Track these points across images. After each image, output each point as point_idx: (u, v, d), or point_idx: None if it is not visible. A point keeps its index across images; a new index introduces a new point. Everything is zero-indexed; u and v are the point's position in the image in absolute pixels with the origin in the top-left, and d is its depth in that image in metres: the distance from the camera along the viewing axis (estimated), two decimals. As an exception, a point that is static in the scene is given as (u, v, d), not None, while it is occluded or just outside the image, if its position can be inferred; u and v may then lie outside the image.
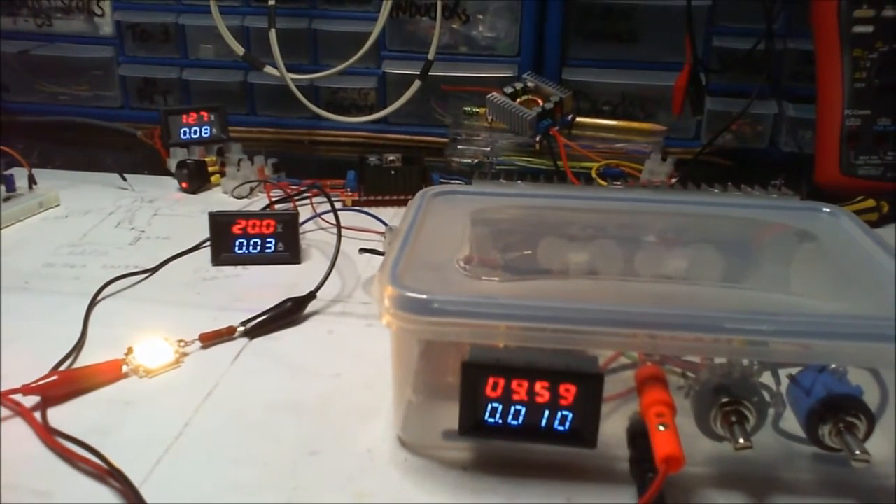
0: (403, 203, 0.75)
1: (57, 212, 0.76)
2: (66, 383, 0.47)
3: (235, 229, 0.64)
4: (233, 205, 0.77)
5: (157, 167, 0.85)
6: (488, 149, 0.84)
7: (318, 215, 0.72)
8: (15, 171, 0.76)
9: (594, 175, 0.80)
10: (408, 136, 0.97)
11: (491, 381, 0.38)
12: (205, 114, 0.85)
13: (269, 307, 0.55)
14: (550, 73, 0.92)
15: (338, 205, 0.69)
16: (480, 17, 0.93)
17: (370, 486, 0.40)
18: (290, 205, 0.74)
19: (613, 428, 0.40)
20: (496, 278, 0.46)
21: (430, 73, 0.91)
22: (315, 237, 0.70)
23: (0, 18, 1.00)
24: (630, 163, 0.82)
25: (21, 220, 0.73)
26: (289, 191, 0.77)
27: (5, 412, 0.45)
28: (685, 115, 0.87)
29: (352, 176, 0.77)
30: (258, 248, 0.64)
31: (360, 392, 0.47)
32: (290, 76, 0.89)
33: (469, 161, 0.85)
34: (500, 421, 0.39)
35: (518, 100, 0.82)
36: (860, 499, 0.39)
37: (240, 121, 0.97)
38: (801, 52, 0.87)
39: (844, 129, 0.75)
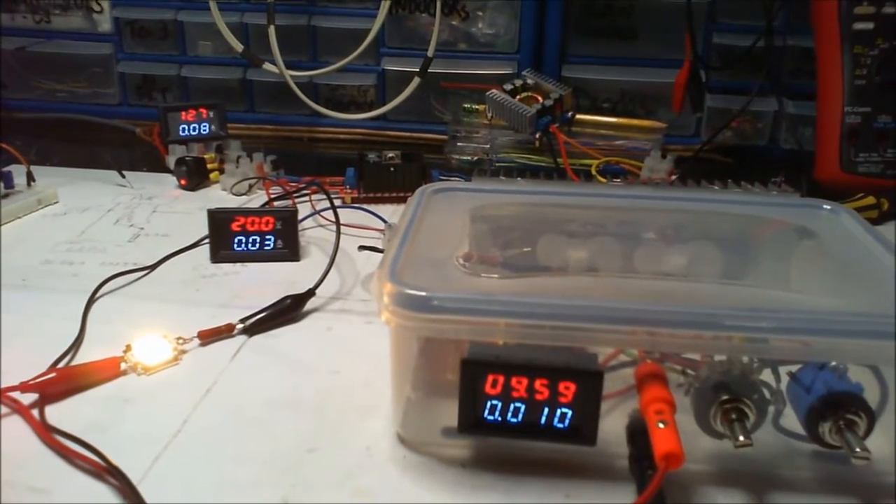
0: (403, 200, 0.75)
1: (55, 209, 0.76)
2: (65, 380, 0.46)
3: (234, 226, 0.64)
4: (232, 202, 0.77)
5: (155, 164, 0.85)
6: (488, 146, 0.84)
7: (318, 212, 0.72)
8: (13, 168, 0.76)
9: (594, 172, 0.80)
10: (407, 134, 0.97)
11: (490, 378, 0.38)
12: (203, 111, 0.85)
13: (267, 304, 0.55)
14: (550, 70, 0.91)
15: (337, 202, 0.69)
16: (480, 13, 0.93)
17: (369, 484, 0.40)
18: (289, 202, 0.74)
19: (613, 425, 0.40)
20: (495, 275, 0.46)
21: (429, 70, 0.91)
22: (314, 234, 0.70)
23: (-2, 15, 1.00)
24: (630, 160, 0.82)
25: (19, 217, 0.73)
26: (288, 188, 0.76)
27: (3, 409, 0.45)
28: (685, 112, 0.87)
29: (351, 173, 0.77)
30: (257, 245, 0.64)
31: (359, 389, 0.47)
32: (289, 73, 0.89)
33: (469, 158, 0.85)
34: (500, 418, 0.39)
35: (518, 97, 0.82)
36: (860, 496, 0.39)
37: (239, 118, 0.97)
38: (802, 49, 0.87)
39: (845, 126, 0.75)
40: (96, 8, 0.98)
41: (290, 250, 0.65)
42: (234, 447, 0.42)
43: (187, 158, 0.81)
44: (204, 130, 0.85)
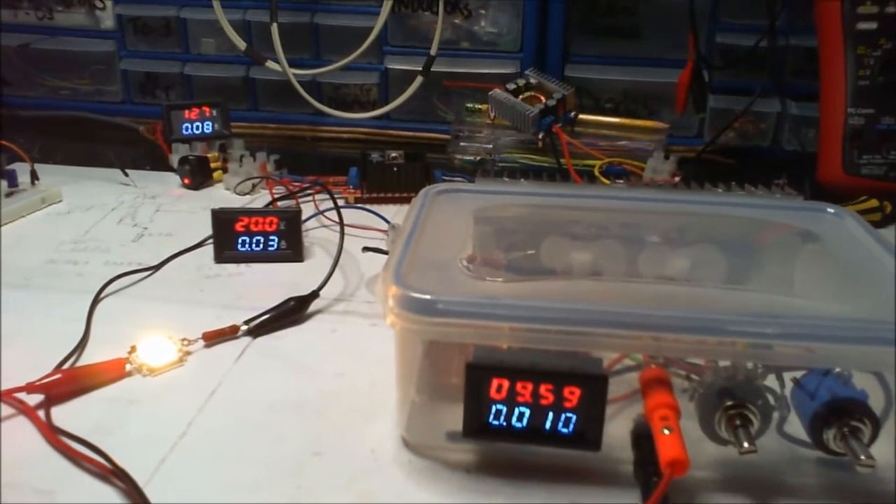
0: (406, 200, 0.75)
1: (59, 208, 0.76)
2: (70, 382, 0.47)
3: (238, 227, 0.64)
4: (235, 201, 0.77)
5: (159, 163, 0.85)
6: (491, 146, 0.84)
7: (321, 213, 0.72)
8: (17, 166, 0.76)
9: (597, 173, 0.80)
10: (410, 133, 0.97)
11: (495, 382, 0.38)
12: (207, 109, 0.85)
13: (271, 306, 0.55)
14: (553, 70, 0.91)
15: (340, 202, 0.69)
16: (483, 12, 0.93)
17: (373, 487, 0.40)
18: (292, 202, 0.74)
19: (617, 430, 0.40)
20: (500, 279, 0.46)
21: (432, 69, 0.90)
22: (318, 234, 0.70)
23: (0, 11, 1.00)
24: (633, 160, 0.82)
25: (23, 217, 0.73)
26: (291, 188, 0.76)
27: (9, 410, 0.45)
28: (688, 112, 0.87)
29: (354, 173, 0.77)
30: (261, 245, 0.64)
31: (364, 392, 0.47)
32: (292, 71, 0.89)
33: (471, 158, 0.85)
34: (504, 423, 0.39)
35: (521, 96, 0.82)
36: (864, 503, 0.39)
37: (242, 116, 0.97)
38: (805, 50, 0.87)
39: (848, 128, 0.75)
40: (99, 5, 0.98)
41: (293, 251, 0.65)
42: (239, 449, 0.42)
43: (190, 157, 0.81)
44: (207, 129, 0.85)
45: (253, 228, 0.64)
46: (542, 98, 0.82)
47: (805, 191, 0.70)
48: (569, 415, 0.38)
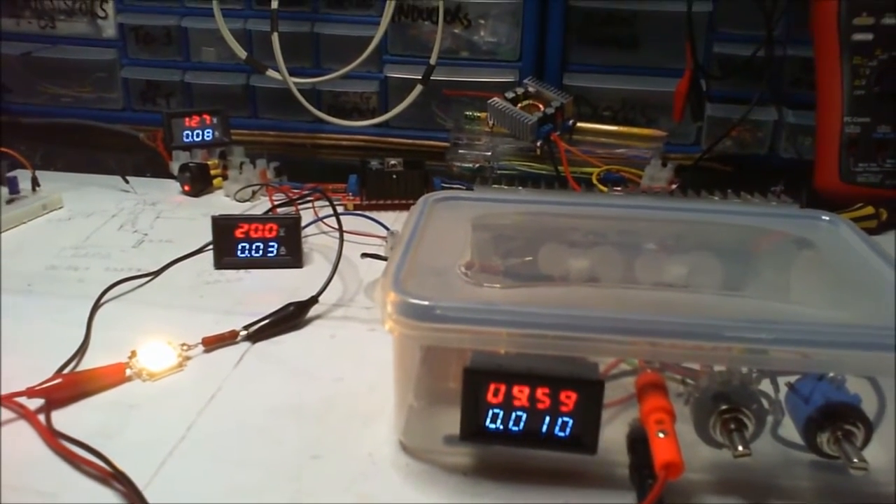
0: (405, 207, 0.76)
1: (60, 214, 0.76)
2: (71, 386, 0.47)
3: (238, 233, 0.64)
4: (235, 208, 0.77)
5: (159, 170, 0.86)
6: (489, 153, 0.85)
7: (320, 219, 0.73)
8: (18, 173, 0.76)
9: (595, 180, 0.80)
10: (409, 141, 0.98)
11: (492, 387, 0.39)
12: (207, 117, 0.86)
13: (271, 311, 0.55)
14: (551, 79, 0.92)
15: (339, 209, 0.70)
16: (482, 21, 0.94)
17: (372, 490, 0.40)
18: (292, 208, 0.74)
19: (613, 434, 0.40)
20: (497, 285, 0.46)
21: (431, 78, 0.91)
22: (317, 241, 0.70)
23: (2, 20, 1.00)
24: (630, 168, 0.82)
25: (24, 223, 0.73)
26: (291, 195, 0.77)
27: (10, 415, 0.45)
28: (685, 121, 0.88)
29: (353, 180, 0.78)
30: (260, 251, 0.65)
31: (362, 396, 0.48)
32: (292, 80, 0.89)
33: (470, 166, 0.85)
34: (501, 427, 0.39)
35: (519, 105, 0.82)
36: (858, 506, 0.39)
37: (242, 124, 0.97)
38: (802, 59, 0.87)
39: (844, 137, 0.76)
40: (101, 14, 0.99)
41: (293, 257, 0.65)
42: (238, 453, 0.43)
43: (191, 164, 0.81)
44: (207, 136, 0.86)
45: (253, 235, 0.64)
46: (541, 106, 0.82)
47: (802, 198, 0.71)
48: (565, 419, 0.39)
